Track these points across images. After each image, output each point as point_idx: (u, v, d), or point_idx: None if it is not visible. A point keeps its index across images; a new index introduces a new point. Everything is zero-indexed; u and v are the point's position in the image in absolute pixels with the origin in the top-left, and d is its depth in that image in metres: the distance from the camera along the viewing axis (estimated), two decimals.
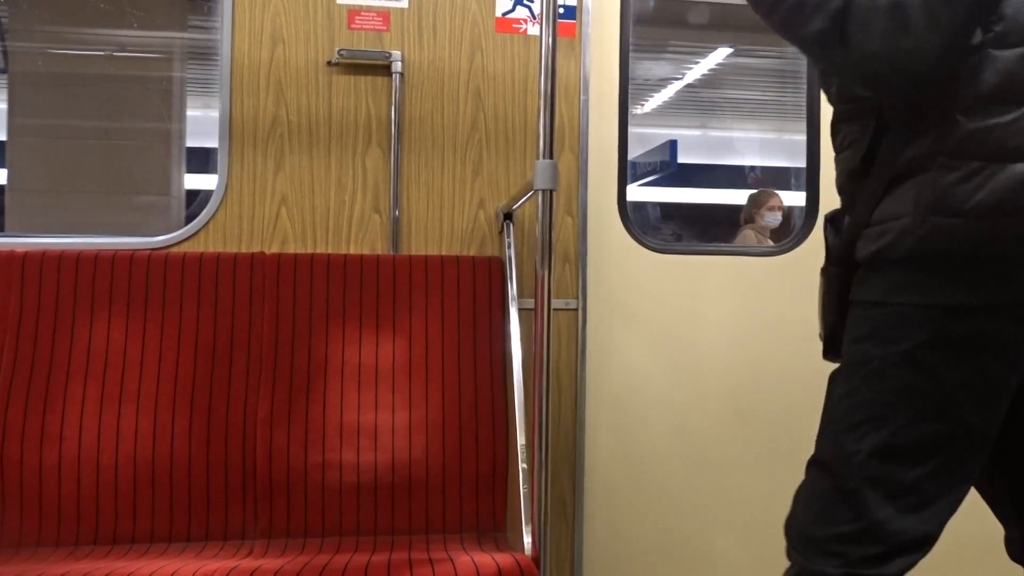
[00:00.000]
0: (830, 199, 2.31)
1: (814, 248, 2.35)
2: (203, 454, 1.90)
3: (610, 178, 2.28)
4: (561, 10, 2.24)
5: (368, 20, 2.15)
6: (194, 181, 3.68)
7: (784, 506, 1.29)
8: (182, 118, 3.43)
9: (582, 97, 2.23)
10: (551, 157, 1.60)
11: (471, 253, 2.18)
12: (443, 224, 2.18)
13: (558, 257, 2.21)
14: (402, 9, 2.17)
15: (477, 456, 1.97)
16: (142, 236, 2.11)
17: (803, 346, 2.34)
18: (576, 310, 2.21)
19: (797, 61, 2.66)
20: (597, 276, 2.26)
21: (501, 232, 2.16)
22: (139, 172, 3.37)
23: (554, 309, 2.19)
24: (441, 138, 2.19)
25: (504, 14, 2.21)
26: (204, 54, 3.65)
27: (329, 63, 2.14)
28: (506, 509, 1.97)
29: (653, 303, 2.30)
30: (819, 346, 1.48)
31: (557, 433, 2.20)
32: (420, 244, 2.17)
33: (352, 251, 2.14)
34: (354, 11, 2.15)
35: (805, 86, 2.42)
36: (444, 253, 2.17)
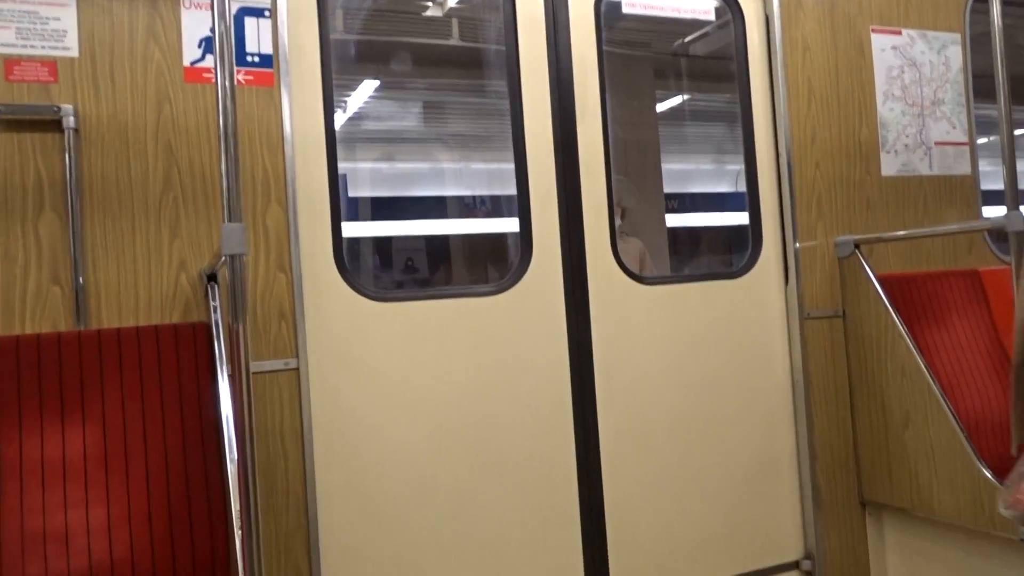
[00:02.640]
0: (543, 229, 2.40)
1: (532, 285, 2.43)
2: None
3: (323, 229, 2.21)
4: (256, 58, 2.14)
5: (30, 71, 1.92)
6: None
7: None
8: None
9: (286, 147, 2.14)
10: (239, 220, 1.50)
11: (174, 319, 2.00)
12: (139, 291, 1.99)
13: (272, 316, 2.10)
14: (72, 59, 1.96)
15: (192, 544, 1.80)
16: None
17: (529, 380, 2.41)
18: (296, 369, 2.10)
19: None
20: (319, 331, 2.17)
21: (206, 295, 2.01)
22: None
23: (272, 371, 2.07)
24: (130, 198, 1.99)
25: (193, 63, 2.07)
26: None
27: None
28: None
29: (380, 353, 2.25)
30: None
31: (287, 502, 2.07)
32: (113, 316, 1.96)
33: (28, 330, 1.89)
34: (12, 61, 1.91)
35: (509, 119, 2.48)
36: (142, 322, 1.97)
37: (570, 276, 2.48)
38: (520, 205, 2.44)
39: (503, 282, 2.42)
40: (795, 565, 2.74)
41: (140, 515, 1.77)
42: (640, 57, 5.80)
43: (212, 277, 1.98)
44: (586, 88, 2.53)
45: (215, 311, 1.94)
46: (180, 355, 1.91)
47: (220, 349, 1.89)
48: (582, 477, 2.44)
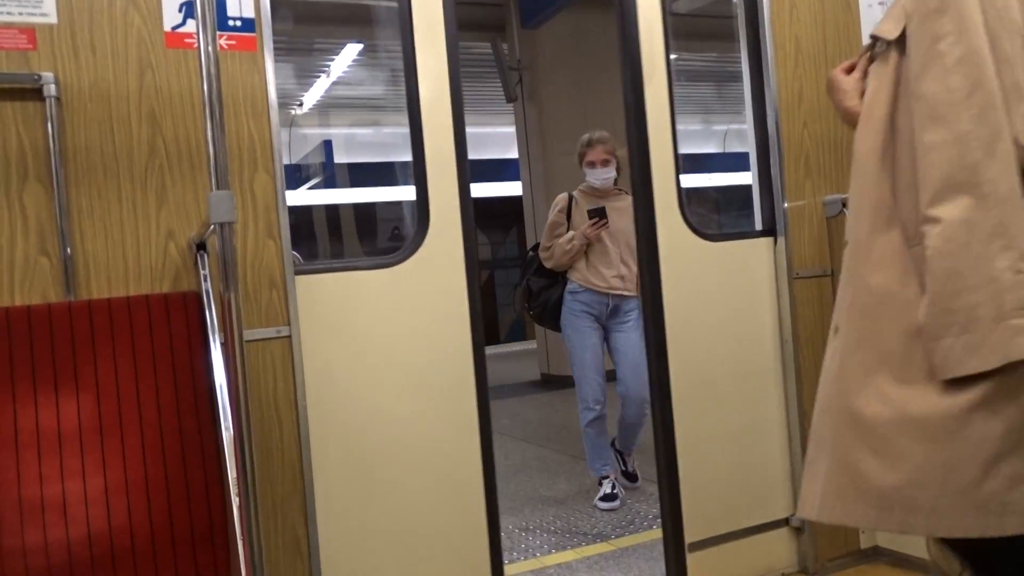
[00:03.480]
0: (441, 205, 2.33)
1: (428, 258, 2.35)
2: None
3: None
4: (238, 22, 2.11)
5: (8, 38, 1.89)
6: None
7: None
8: None
9: (271, 113, 2.12)
10: (226, 187, 1.50)
11: (164, 289, 2.00)
12: (127, 261, 1.98)
13: (263, 284, 2.10)
14: (51, 25, 1.93)
15: (190, 510, 1.81)
16: None
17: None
18: (288, 337, 2.11)
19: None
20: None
21: (195, 264, 2.00)
22: None
23: (263, 339, 2.07)
24: (115, 167, 1.98)
25: (174, 28, 2.04)
26: None
27: None
28: (229, 562, 1.84)
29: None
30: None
31: (282, 467, 2.09)
32: (102, 286, 1.95)
33: (17, 302, 1.88)
34: None
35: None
36: (132, 293, 1.97)
37: (642, 233, 2.59)
38: (417, 174, 2.36)
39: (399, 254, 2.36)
40: (785, 522, 2.79)
41: (137, 484, 1.79)
42: None
43: (201, 246, 1.97)
44: (652, 49, 2.59)
45: (205, 280, 1.93)
46: (172, 324, 1.91)
47: (212, 318, 1.89)
48: None
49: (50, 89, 1.89)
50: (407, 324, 2.29)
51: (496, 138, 13.97)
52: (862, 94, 1.57)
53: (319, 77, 9.12)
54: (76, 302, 1.88)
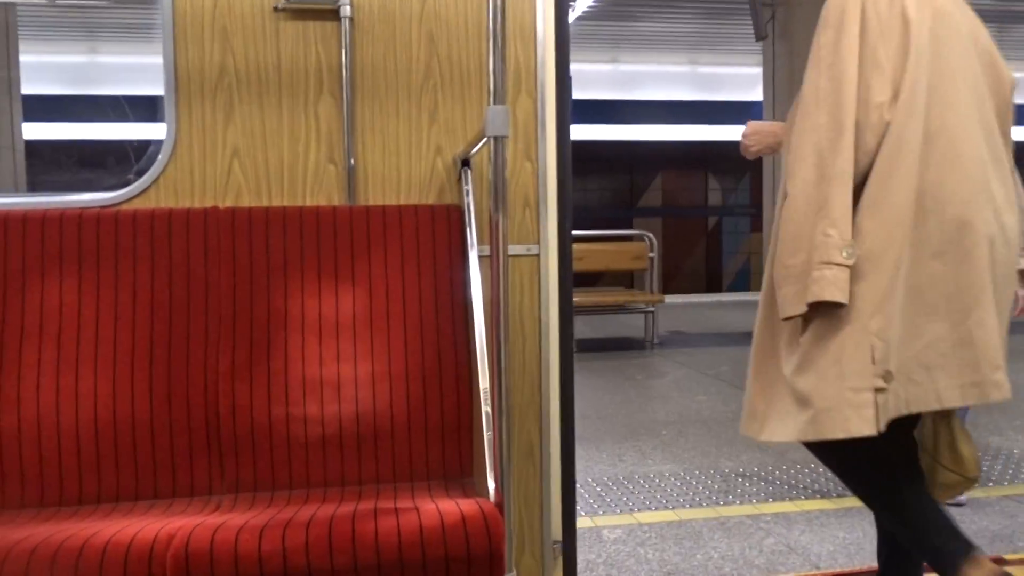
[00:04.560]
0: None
1: None
2: (165, 412, 1.89)
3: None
4: None
5: None
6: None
7: None
8: (13, 64, 3.18)
9: (538, 39, 2.18)
10: (503, 103, 1.58)
11: (429, 201, 2.16)
12: (400, 173, 2.15)
13: (518, 203, 2.20)
14: None
15: (441, 404, 1.98)
16: (91, 194, 2.06)
17: None
18: (537, 255, 2.20)
19: None
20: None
21: (459, 179, 2.13)
22: None
23: (515, 255, 2.18)
24: (395, 84, 2.14)
25: None
26: None
27: (276, 8, 2.07)
28: (472, 455, 1.99)
29: None
30: None
31: (522, 378, 2.21)
32: (377, 194, 2.14)
33: (308, 203, 2.11)
34: None
35: None
36: (402, 202, 2.14)
37: None
38: None
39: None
40: None
41: (398, 374, 1.97)
42: None
43: (465, 162, 2.10)
44: None
45: (468, 195, 2.07)
46: (435, 234, 2.06)
47: (472, 231, 2.02)
48: None
49: (346, 10, 2.07)
50: None
51: (738, 79, 13.41)
52: None
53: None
54: (356, 207, 2.08)
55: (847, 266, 1.70)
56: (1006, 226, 1.82)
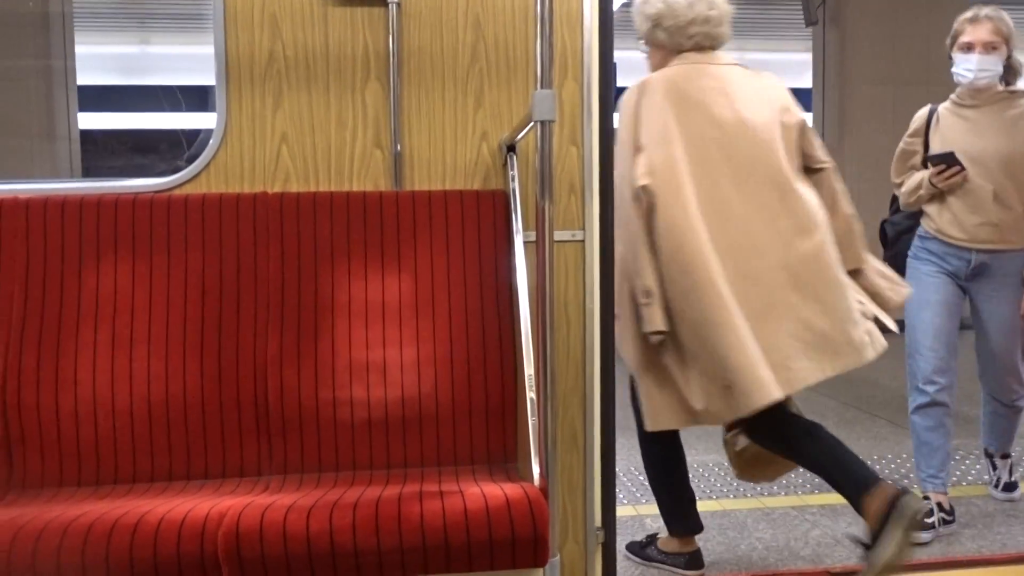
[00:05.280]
0: None
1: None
2: (215, 394, 1.93)
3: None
4: None
5: None
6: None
7: None
8: (69, 54, 3.17)
9: (585, 23, 2.17)
10: (550, 87, 1.57)
11: (475, 187, 2.16)
12: (445, 158, 2.15)
13: (563, 188, 2.19)
14: None
15: (486, 389, 1.98)
16: (144, 179, 2.10)
17: None
18: (582, 241, 2.19)
19: None
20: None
21: (505, 165, 2.13)
22: (15, 114, 3.10)
23: (560, 241, 2.17)
24: (441, 70, 2.14)
25: None
26: None
27: None
28: (516, 440, 2.00)
29: None
30: None
31: (567, 364, 2.21)
32: (423, 179, 2.15)
33: (355, 188, 2.12)
34: None
35: None
36: (447, 188, 2.15)
37: None
38: None
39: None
40: None
41: (443, 359, 1.98)
42: None
43: (511, 148, 2.10)
44: None
45: (513, 180, 2.06)
46: (480, 219, 2.06)
47: (517, 217, 2.02)
48: None
49: None
50: None
51: (786, 66, 13.16)
52: None
53: None
54: (402, 192, 2.09)
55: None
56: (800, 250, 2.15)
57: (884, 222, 3.15)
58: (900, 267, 2.95)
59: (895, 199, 3.08)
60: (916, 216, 2.94)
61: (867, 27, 7.40)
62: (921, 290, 2.77)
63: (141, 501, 1.67)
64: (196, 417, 1.92)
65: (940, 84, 3.05)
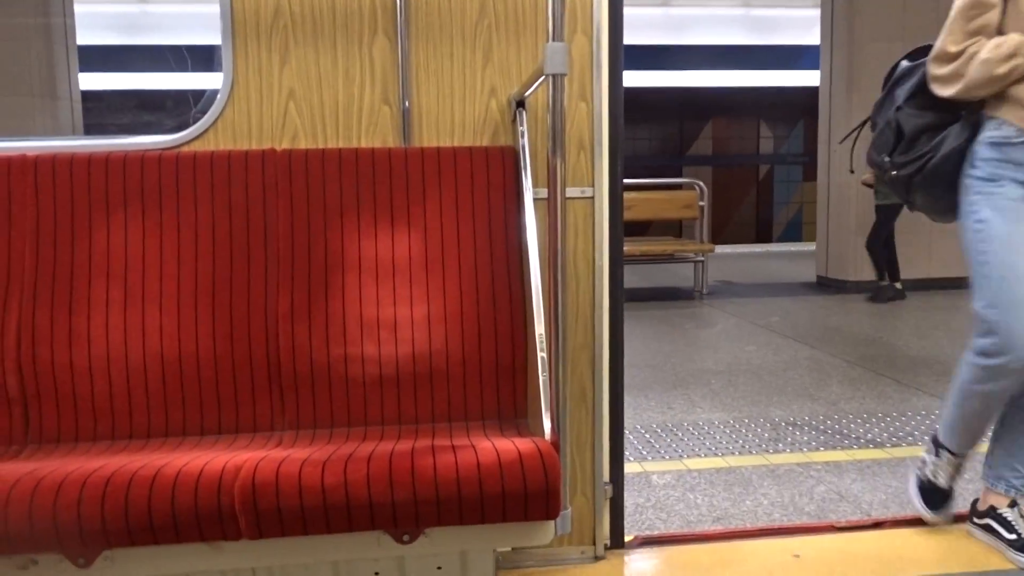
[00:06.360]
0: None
1: None
2: (228, 350, 1.94)
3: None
4: None
5: None
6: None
7: None
8: (68, 13, 3.13)
9: None
10: (561, 39, 1.55)
11: (484, 143, 2.15)
12: (454, 114, 2.14)
13: (573, 144, 2.17)
14: None
15: (496, 346, 1.99)
16: (151, 136, 2.09)
17: None
18: (592, 198, 2.18)
19: None
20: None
21: (514, 121, 2.11)
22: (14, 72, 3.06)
23: (569, 198, 2.16)
24: (449, 24, 2.12)
25: None
26: None
27: None
28: (526, 396, 2.01)
29: None
30: None
31: (576, 321, 2.22)
32: (431, 135, 2.14)
33: (363, 145, 2.11)
34: None
35: None
36: (456, 144, 2.14)
37: None
38: None
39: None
40: None
41: (453, 316, 1.99)
42: None
43: (520, 103, 2.08)
44: None
45: (522, 136, 2.05)
46: (490, 176, 2.05)
47: (527, 174, 2.00)
48: None
49: None
50: None
51: (794, 22, 13.00)
52: None
53: None
54: (411, 148, 2.08)
55: None
56: None
57: (890, 114, 2.26)
58: (921, 180, 2.20)
59: (903, 81, 2.27)
60: (947, 109, 2.18)
61: None
62: (1006, 221, 2.06)
63: (157, 455, 1.69)
64: (209, 373, 1.93)
65: None
